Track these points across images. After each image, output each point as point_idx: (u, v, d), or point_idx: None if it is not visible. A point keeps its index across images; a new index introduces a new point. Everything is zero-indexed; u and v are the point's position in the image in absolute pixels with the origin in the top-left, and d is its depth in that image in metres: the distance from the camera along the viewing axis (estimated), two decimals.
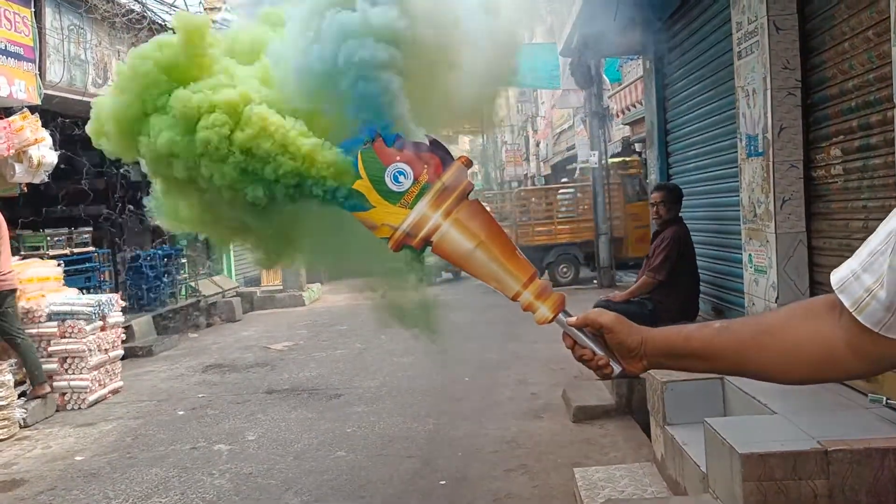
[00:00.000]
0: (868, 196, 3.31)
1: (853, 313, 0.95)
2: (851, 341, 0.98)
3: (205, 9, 10.18)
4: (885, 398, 3.09)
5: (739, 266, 4.74)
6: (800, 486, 2.75)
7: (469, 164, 1.44)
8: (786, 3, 3.84)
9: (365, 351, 8.92)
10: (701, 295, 5.57)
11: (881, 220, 2.98)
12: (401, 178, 1.43)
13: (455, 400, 6.48)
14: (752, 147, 4.11)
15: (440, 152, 1.44)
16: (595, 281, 14.10)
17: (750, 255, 4.24)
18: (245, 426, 6.02)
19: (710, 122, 5.45)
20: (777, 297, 3.92)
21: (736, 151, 4.39)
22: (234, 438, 5.69)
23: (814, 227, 3.86)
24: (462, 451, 5.13)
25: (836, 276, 0.99)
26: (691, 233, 5.46)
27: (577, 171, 19.74)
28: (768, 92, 3.87)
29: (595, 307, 4.94)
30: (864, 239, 3.08)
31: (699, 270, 5.53)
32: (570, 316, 1.31)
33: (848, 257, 3.19)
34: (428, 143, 1.46)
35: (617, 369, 1.25)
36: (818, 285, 3.89)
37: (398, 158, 1.44)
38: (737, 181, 4.40)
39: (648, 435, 5.33)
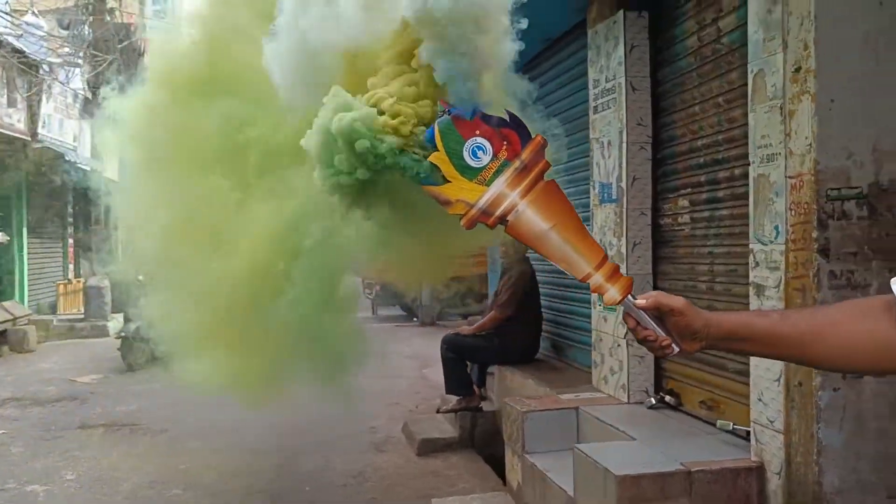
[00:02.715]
0: (714, 243, 3.71)
1: None
2: None
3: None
4: (731, 424, 3.44)
5: (585, 305, 5.08)
6: None
7: (545, 143, 1.43)
8: (641, 67, 4.25)
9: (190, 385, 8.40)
10: (543, 333, 5.89)
11: (726, 265, 3.34)
12: (479, 154, 1.39)
13: (295, 435, 6.28)
14: (605, 194, 4.46)
15: (519, 128, 1.41)
16: (415, 318, 14.34)
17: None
18: (61, 464, 5.44)
19: (562, 168, 5.82)
20: (626, 333, 4.24)
21: (588, 197, 4.73)
22: (50, 478, 5.13)
23: (660, 269, 4.25)
24: (310, 486, 4.99)
25: None
26: (539, 272, 5.78)
27: None
28: (624, 145, 4.24)
29: (444, 341, 5.02)
30: (709, 282, 3.43)
31: (542, 309, 5.86)
32: (635, 298, 1.35)
33: (693, 298, 3.51)
34: (508, 118, 1.42)
35: (676, 349, 1.32)
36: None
37: (478, 133, 1.40)
38: (588, 224, 4.74)
39: (492, 466, 5.50)
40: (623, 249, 4.24)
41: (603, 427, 3.88)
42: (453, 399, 6.01)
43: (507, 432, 4.42)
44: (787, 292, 2.89)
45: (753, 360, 3.10)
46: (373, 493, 4.90)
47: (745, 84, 3.35)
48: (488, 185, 1.40)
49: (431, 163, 1.42)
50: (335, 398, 7.11)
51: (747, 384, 3.36)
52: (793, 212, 2.86)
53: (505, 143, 1.41)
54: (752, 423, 3.12)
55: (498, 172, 1.41)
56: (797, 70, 2.82)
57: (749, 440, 3.23)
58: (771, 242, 2.97)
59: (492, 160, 1.41)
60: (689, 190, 3.96)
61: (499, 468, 5.47)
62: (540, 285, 5.85)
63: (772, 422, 2.99)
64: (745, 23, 3.33)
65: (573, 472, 3.42)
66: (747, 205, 3.29)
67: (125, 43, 12.18)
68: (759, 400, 3.05)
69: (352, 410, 6.93)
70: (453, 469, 5.42)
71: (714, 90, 3.71)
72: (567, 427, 4.19)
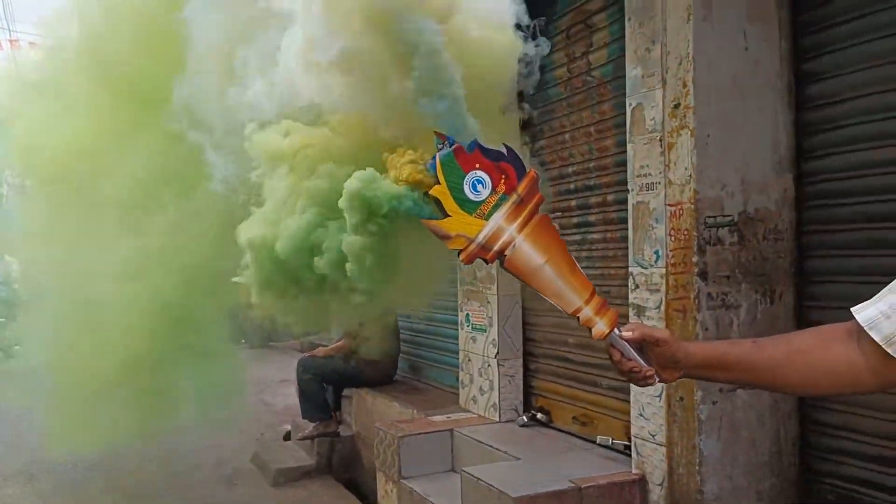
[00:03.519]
0: (586, 266, 3.88)
1: (883, 346, 1.16)
2: (871, 365, 1.20)
3: None
4: (610, 439, 3.60)
5: (448, 325, 5.12)
6: None
7: (538, 177, 1.42)
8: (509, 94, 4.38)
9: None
10: (402, 354, 5.87)
11: (600, 286, 3.51)
12: (479, 187, 1.37)
13: (130, 473, 5.77)
14: None
15: (515, 162, 1.40)
16: (244, 341, 13.75)
17: (468, 314, 4.62)
18: None
19: None
20: (497, 353, 4.33)
21: None
22: None
23: (529, 291, 4.36)
24: None
25: (864, 315, 1.19)
26: None
27: None
28: None
29: (300, 364, 4.86)
30: None
31: (402, 331, 5.84)
32: (620, 331, 1.37)
33: (557, 319, 3.71)
34: (505, 152, 1.40)
35: (657, 379, 1.36)
36: (529, 341, 4.40)
37: (478, 166, 1.37)
38: None
39: (354, 492, 5.38)
40: (493, 271, 4.32)
41: (481, 448, 3.92)
42: (309, 425, 5.82)
43: (379, 458, 4.34)
44: (667, 313, 3.08)
45: None
46: None
47: (617, 115, 3.57)
48: (487, 218, 1.38)
49: (432, 195, 1.37)
50: (175, 430, 6.67)
51: (622, 400, 3.55)
52: (673, 237, 3.06)
53: (503, 176, 1.39)
54: (633, 438, 3.28)
55: (497, 206, 1.39)
56: (676, 106, 3.03)
57: (627, 453, 3.40)
58: (651, 266, 3.16)
59: (490, 194, 1.39)
60: (558, 214, 4.12)
61: (359, 494, 5.37)
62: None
63: (653, 435, 3.16)
64: (617, 58, 3.55)
65: (461, 495, 3.42)
66: (621, 229, 3.49)
67: None
68: (641, 415, 3.22)
69: (193, 443, 6.55)
70: (314, 498, 5.24)
71: (585, 120, 3.90)
72: (443, 449, 4.19)
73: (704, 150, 2.96)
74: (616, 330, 1.40)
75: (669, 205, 3.07)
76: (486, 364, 4.45)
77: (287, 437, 6.65)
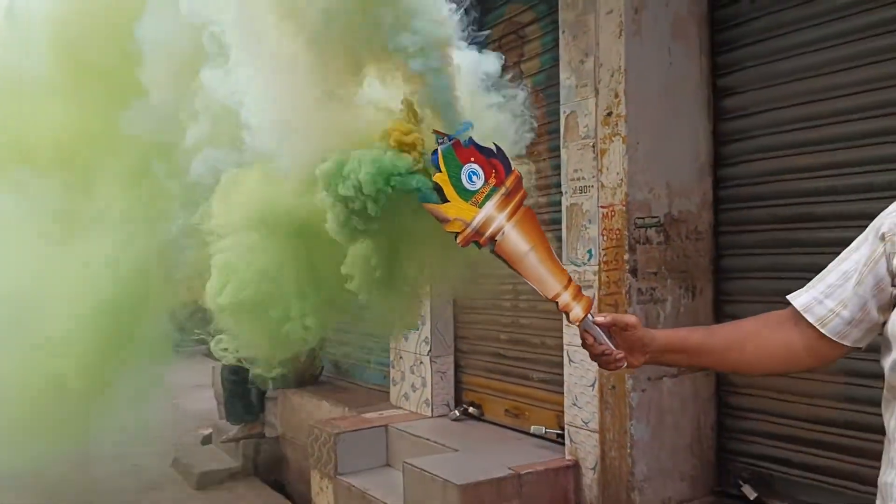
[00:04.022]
0: None
1: (817, 326, 1.36)
2: (809, 346, 1.39)
3: None
4: (543, 428, 3.79)
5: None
6: None
7: (521, 175, 1.57)
8: None
9: None
10: (326, 354, 5.92)
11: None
12: (474, 178, 1.51)
13: (49, 481, 5.55)
14: None
15: (503, 159, 1.54)
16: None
17: None
18: None
19: None
20: (430, 350, 4.46)
21: None
22: None
23: (458, 290, 4.53)
24: None
25: (800, 301, 1.39)
26: None
27: None
28: None
29: (224, 366, 4.83)
30: (513, 300, 3.80)
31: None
32: (594, 317, 1.52)
33: (496, 315, 3.91)
34: (495, 150, 1.54)
35: (625, 363, 1.52)
36: (460, 338, 4.56)
37: (472, 159, 1.51)
38: None
39: (280, 492, 5.40)
40: None
41: (418, 441, 4.04)
42: (232, 427, 5.77)
43: (314, 455, 4.38)
44: (600, 308, 3.28)
45: (567, 370, 3.47)
46: None
47: (550, 122, 3.78)
48: (480, 206, 1.52)
49: (435, 182, 1.50)
50: (82, 439, 6.44)
51: (553, 391, 3.75)
52: (605, 237, 3.28)
53: (494, 170, 1.54)
54: (566, 426, 3.48)
55: (488, 196, 1.53)
56: (609, 114, 3.25)
57: (559, 442, 3.60)
58: (584, 264, 3.37)
59: (483, 185, 1.53)
60: None
61: (285, 495, 5.38)
62: None
63: (586, 423, 3.37)
64: (549, 67, 3.76)
65: (403, 487, 3.52)
66: (553, 230, 3.68)
67: None
68: (574, 405, 3.42)
69: (110, 450, 6.36)
70: (242, 500, 5.22)
71: None
72: (377, 445, 4.28)
73: (635, 156, 3.19)
74: (590, 315, 1.57)
75: (602, 206, 3.28)
76: (419, 361, 4.57)
77: (207, 440, 6.57)
